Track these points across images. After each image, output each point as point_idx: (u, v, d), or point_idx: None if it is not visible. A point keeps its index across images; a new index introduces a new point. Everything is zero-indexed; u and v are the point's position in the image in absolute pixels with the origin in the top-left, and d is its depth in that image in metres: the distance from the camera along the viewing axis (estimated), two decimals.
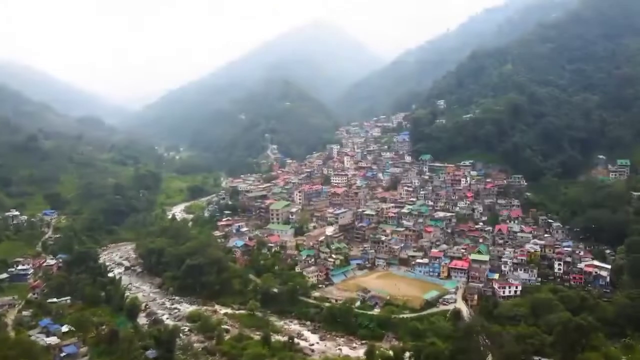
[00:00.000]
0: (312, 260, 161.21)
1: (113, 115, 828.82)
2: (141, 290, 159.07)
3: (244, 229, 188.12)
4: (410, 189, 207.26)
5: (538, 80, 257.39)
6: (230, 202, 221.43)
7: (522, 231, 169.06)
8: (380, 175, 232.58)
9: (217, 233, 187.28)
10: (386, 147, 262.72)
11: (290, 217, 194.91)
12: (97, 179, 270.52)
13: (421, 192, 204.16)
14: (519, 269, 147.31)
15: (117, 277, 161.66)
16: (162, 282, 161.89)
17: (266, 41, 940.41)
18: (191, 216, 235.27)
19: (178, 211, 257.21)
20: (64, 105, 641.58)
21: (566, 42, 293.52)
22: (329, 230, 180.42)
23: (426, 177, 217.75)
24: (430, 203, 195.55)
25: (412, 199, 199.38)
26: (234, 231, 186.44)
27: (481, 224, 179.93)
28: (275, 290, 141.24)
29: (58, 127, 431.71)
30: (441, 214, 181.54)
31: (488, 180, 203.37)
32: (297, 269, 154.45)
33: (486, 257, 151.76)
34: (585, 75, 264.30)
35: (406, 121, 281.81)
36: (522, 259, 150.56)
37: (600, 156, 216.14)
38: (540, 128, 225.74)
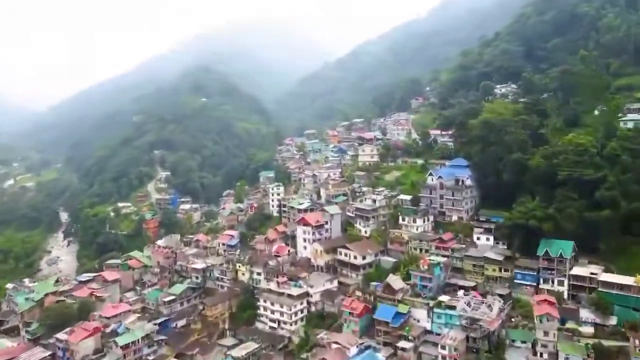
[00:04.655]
0: None
1: (11, 117, 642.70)
2: None
3: None
4: None
5: None
6: None
7: None
8: None
9: None
10: (409, 197, 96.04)
11: None
12: None
13: None
14: None
15: None
16: None
17: (197, 35, 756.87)
18: None
19: None
20: None
21: None
22: None
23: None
24: None
25: None
26: None
27: None
28: None
29: None
30: None
31: None
32: None
33: None
34: None
35: (446, 132, 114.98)
36: None
37: None
38: None
